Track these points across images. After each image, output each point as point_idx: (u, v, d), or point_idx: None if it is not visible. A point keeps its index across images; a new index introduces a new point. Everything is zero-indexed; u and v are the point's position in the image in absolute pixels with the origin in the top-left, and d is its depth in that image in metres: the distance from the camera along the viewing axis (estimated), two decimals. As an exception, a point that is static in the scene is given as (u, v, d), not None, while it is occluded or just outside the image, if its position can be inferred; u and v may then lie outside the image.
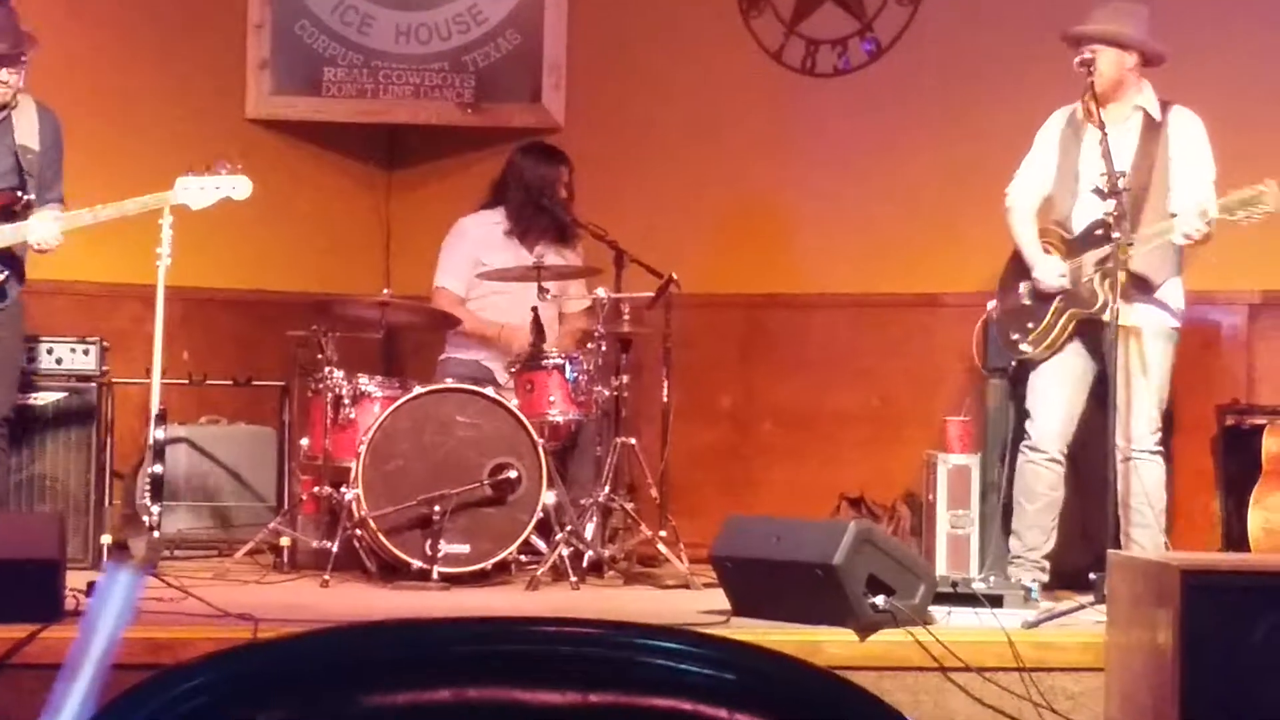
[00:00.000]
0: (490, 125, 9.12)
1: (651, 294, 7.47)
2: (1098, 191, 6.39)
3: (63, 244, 6.71)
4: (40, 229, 6.62)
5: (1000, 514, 7.10)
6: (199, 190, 6.62)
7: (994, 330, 6.98)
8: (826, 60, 8.86)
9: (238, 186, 6.71)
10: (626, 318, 7.40)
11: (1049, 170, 6.82)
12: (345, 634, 1.81)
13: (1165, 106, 6.73)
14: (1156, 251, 6.53)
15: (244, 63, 9.10)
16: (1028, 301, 6.75)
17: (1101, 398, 6.62)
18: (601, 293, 7.38)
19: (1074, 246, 6.67)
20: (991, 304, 6.95)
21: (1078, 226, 6.69)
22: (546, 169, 8.10)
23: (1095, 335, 6.60)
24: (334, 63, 9.17)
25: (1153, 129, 6.68)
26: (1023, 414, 6.86)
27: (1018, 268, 6.85)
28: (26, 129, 6.73)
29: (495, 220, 8.07)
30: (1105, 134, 6.41)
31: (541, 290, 7.39)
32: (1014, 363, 6.90)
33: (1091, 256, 6.53)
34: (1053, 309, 6.67)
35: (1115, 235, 6.27)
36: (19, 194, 6.67)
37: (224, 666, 1.76)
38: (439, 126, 9.31)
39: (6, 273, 6.69)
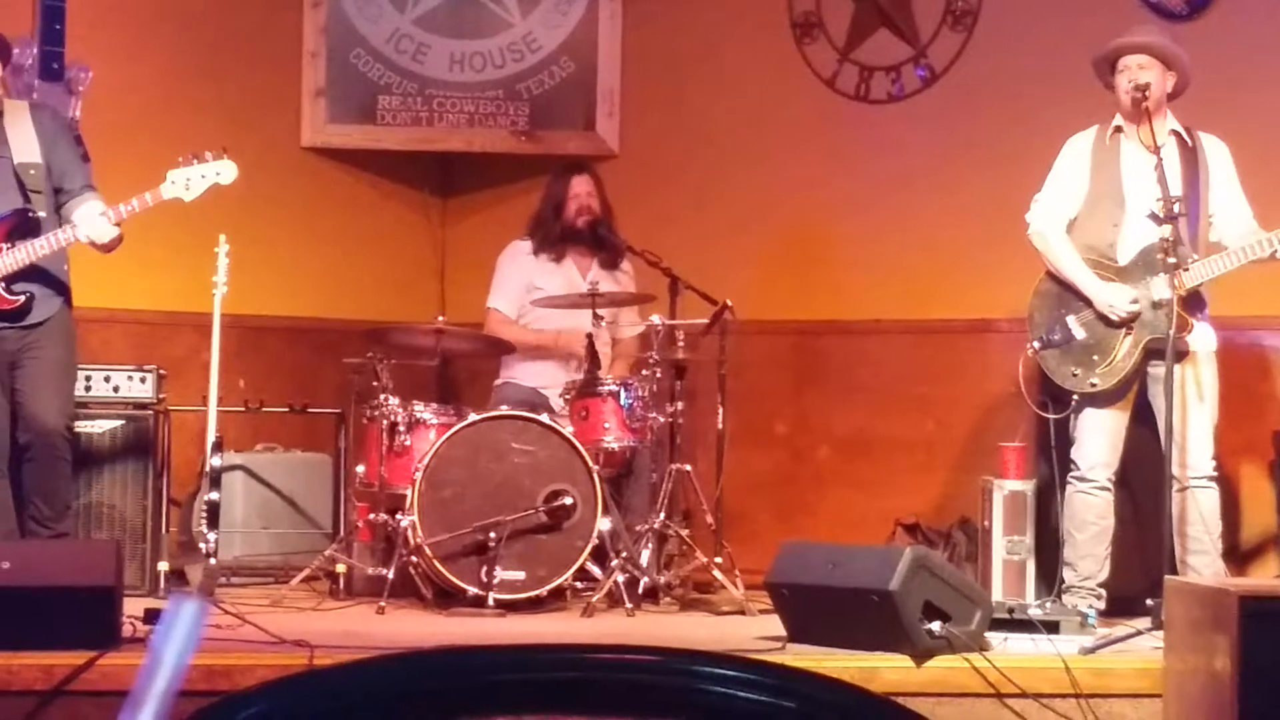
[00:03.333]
0: (544, 153, 9.13)
1: (706, 320, 7.47)
2: (1153, 216, 6.35)
3: (117, 238, 6.50)
4: (89, 227, 6.44)
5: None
6: (186, 181, 6.57)
7: (1045, 368, 6.68)
8: (880, 86, 8.85)
9: (222, 171, 6.61)
10: (681, 344, 7.39)
11: (1080, 194, 6.70)
12: (401, 661, 1.81)
13: (1190, 132, 6.68)
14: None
15: (299, 91, 9.14)
16: (1082, 334, 6.59)
17: (1148, 422, 6.56)
18: (656, 319, 7.39)
19: (1129, 272, 6.58)
20: (1034, 345, 6.67)
21: (1127, 251, 6.58)
22: (555, 184, 8.14)
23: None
24: (389, 91, 9.21)
25: (1189, 153, 6.62)
26: (1068, 443, 6.73)
27: (1057, 297, 6.69)
28: (24, 144, 6.62)
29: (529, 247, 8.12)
30: (1160, 158, 6.36)
31: (596, 317, 7.40)
32: (1074, 398, 6.65)
33: (1164, 280, 6.37)
34: (1124, 338, 6.54)
35: (1171, 260, 6.22)
36: (28, 212, 6.58)
37: (282, 694, 1.77)
38: (493, 154, 9.34)
39: (30, 291, 6.56)
